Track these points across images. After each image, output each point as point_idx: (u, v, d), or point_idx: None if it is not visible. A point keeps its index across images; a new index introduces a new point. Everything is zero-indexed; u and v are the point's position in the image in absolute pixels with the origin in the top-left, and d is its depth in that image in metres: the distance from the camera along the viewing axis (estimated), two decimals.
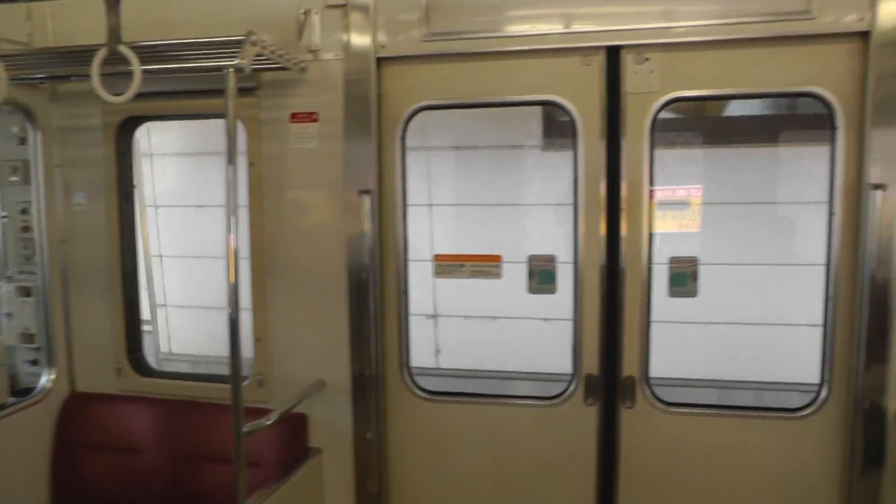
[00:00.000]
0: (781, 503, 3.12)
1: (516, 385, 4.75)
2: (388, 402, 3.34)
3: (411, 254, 3.32)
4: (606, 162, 3.07)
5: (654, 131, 3.03)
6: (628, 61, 3.01)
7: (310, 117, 3.20)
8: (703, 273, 3.07)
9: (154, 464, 3.44)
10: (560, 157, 3.05)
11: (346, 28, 3.13)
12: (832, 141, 2.92)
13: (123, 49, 2.72)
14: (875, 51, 2.77)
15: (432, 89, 3.16)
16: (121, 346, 3.60)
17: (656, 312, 3.12)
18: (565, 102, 3.07)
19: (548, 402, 3.23)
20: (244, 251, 3.23)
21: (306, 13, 3.15)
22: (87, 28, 2.87)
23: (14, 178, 3.62)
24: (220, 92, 2.59)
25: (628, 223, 3.06)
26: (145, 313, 4.02)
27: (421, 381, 3.33)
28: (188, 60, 2.91)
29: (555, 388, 3.18)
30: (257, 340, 3.36)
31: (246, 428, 2.68)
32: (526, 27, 3.03)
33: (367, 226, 3.11)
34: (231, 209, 2.55)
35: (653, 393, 3.14)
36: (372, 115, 3.13)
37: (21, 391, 3.56)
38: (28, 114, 3.45)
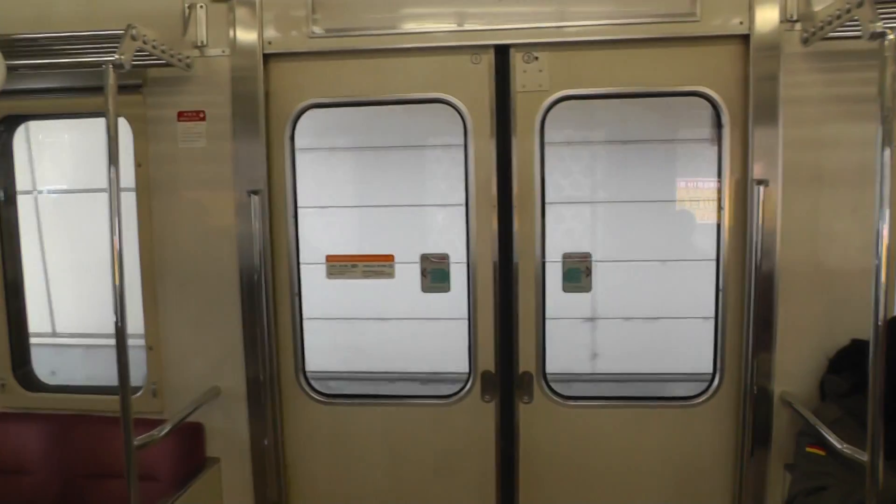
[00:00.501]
0: (678, 487, 3.19)
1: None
2: (285, 407, 3.28)
3: (309, 256, 3.27)
4: (497, 160, 3.07)
5: (544, 129, 3.05)
6: (517, 60, 3.03)
7: (197, 116, 3.10)
8: (599, 269, 3.12)
9: (42, 484, 3.27)
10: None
11: (232, 23, 3.05)
12: (719, 139, 3.02)
13: None
14: (754, 53, 2.87)
15: (321, 87, 3.11)
16: (4, 360, 3.43)
17: (554, 309, 3.15)
18: (455, 101, 3.07)
19: (445, 401, 3.23)
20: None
21: (191, 7, 3.05)
22: None
23: None
24: (102, 89, 2.47)
25: (520, 220, 3.08)
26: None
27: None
28: (66, 55, 2.80)
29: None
30: (149, 348, 3.24)
31: (137, 441, 2.57)
32: (415, 25, 3.01)
33: (257, 227, 3.04)
34: (114, 211, 2.44)
35: (550, 387, 3.17)
36: (260, 113, 3.06)
37: None
38: None
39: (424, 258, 3.20)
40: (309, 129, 3.18)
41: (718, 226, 3.05)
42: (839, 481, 2.53)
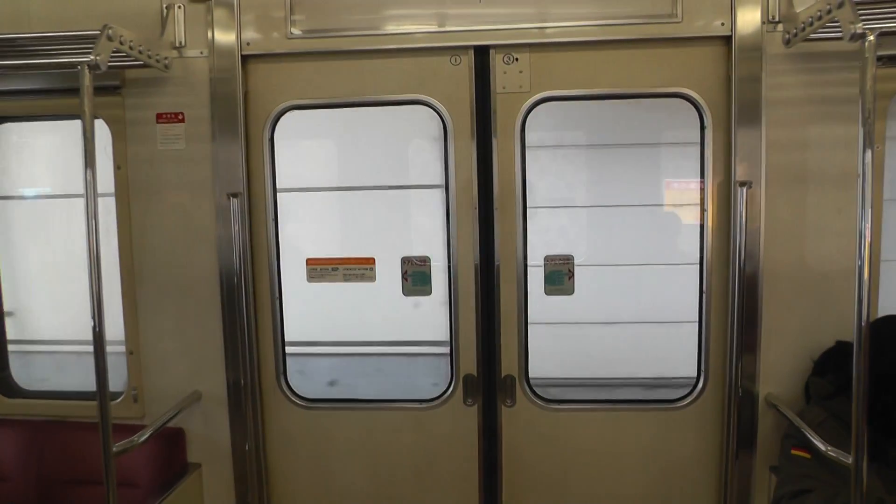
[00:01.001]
0: (662, 490, 3.18)
1: None
2: (266, 412, 3.25)
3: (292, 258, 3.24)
4: (478, 162, 3.05)
5: (525, 131, 3.03)
6: (497, 61, 3.01)
7: (176, 117, 3.07)
8: (583, 273, 3.10)
9: (20, 491, 3.23)
10: None
11: (211, 24, 3.02)
12: (702, 141, 3.00)
13: None
14: (736, 55, 2.86)
15: (300, 89, 3.08)
16: None
17: (538, 314, 3.13)
18: (435, 102, 3.05)
19: (427, 405, 3.20)
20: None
21: (169, 8, 3.02)
22: None
23: None
24: (78, 90, 2.43)
25: (501, 223, 3.06)
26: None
27: None
28: (42, 56, 2.76)
29: None
30: (129, 353, 3.20)
31: (116, 447, 2.54)
32: (394, 26, 2.99)
33: (237, 230, 3.01)
34: (91, 214, 2.40)
35: (532, 391, 3.15)
36: (239, 115, 3.03)
37: None
38: None
39: (406, 260, 3.18)
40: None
41: (702, 228, 3.03)
42: (824, 484, 2.52)
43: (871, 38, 2.10)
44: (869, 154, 2.12)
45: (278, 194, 3.19)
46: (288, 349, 3.28)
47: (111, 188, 3.12)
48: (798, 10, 2.74)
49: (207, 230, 3.09)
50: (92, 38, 2.53)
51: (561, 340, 3.58)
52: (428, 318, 3.30)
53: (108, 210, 3.08)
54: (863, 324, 2.15)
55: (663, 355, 3.62)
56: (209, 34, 3.02)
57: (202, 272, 3.12)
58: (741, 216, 2.83)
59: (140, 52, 2.79)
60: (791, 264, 2.92)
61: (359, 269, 3.19)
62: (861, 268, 2.14)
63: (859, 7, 2.26)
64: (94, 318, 2.43)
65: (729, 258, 2.94)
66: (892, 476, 2.50)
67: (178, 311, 3.16)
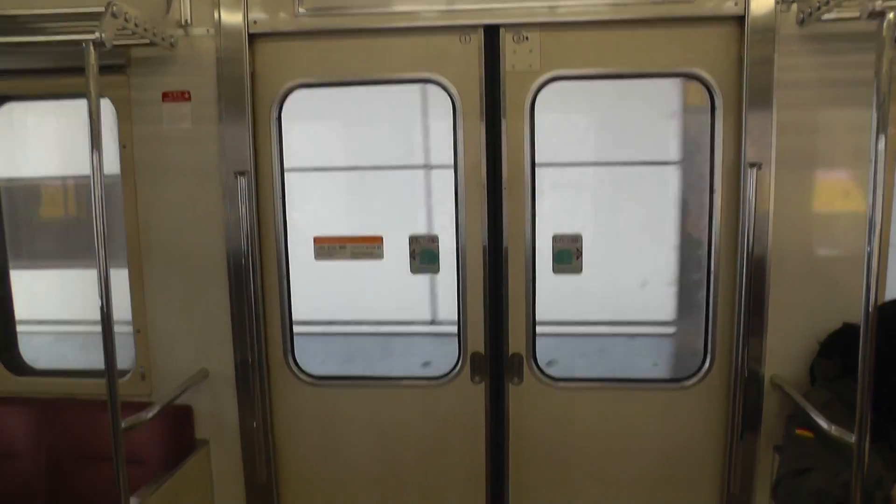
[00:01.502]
0: (667, 469, 3.21)
1: None
2: (274, 389, 3.27)
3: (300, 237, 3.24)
4: (487, 142, 3.04)
5: (535, 110, 3.01)
6: (507, 40, 2.98)
7: (182, 97, 3.05)
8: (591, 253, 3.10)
9: (31, 468, 3.26)
10: None
11: (217, 2, 2.98)
12: (712, 121, 2.98)
13: None
14: (749, 35, 2.83)
15: (308, 67, 3.06)
16: None
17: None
18: (444, 81, 3.02)
19: (435, 382, 3.22)
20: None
21: None
22: None
23: None
24: (84, 69, 2.40)
25: (510, 203, 3.06)
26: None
27: None
28: (46, 33, 2.74)
29: None
30: (137, 331, 3.22)
31: (124, 424, 2.56)
32: (403, 4, 2.95)
33: (244, 209, 3.00)
34: (97, 194, 2.40)
35: (540, 369, 3.17)
36: (246, 94, 3.01)
37: None
38: None
39: (414, 239, 3.18)
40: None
41: (710, 209, 3.03)
42: (826, 463, 2.55)
43: (891, 16, 2.07)
44: (882, 139, 2.10)
45: (286, 174, 3.17)
46: (304, 328, 3.29)
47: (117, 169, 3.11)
48: None
49: (214, 209, 3.09)
50: (96, 16, 2.50)
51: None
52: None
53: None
54: (870, 309, 2.16)
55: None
56: (215, 13, 2.99)
57: (209, 251, 3.12)
58: (750, 198, 2.83)
59: (145, 31, 2.77)
60: (799, 247, 2.92)
61: (366, 247, 3.19)
62: (870, 253, 2.14)
63: None
64: (101, 297, 2.43)
65: (737, 239, 2.94)
66: (893, 458, 2.53)
67: (186, 289, 3.17)
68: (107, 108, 3.02)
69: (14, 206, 3.61)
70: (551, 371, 3.19)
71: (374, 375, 3.33)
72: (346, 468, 3.33)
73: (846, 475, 2.37)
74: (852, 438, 2.29)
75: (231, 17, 2.99)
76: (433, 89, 3.06)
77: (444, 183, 3.14)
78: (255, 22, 2.99)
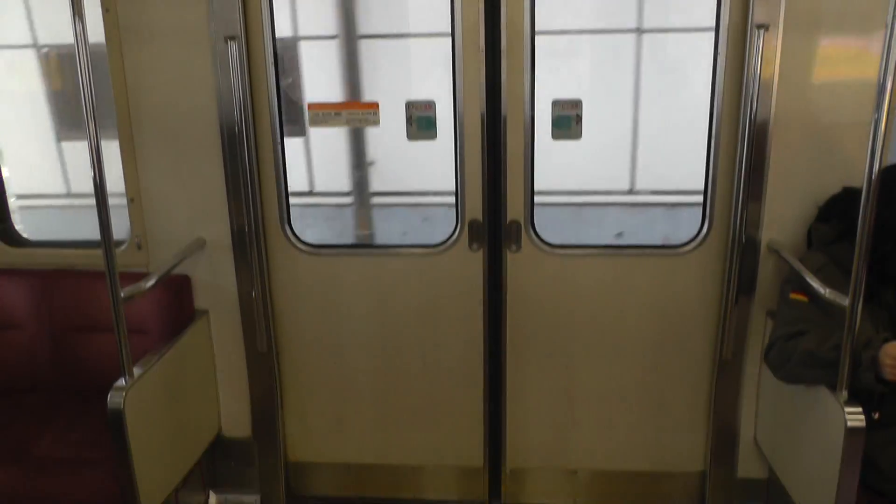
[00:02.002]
0: (662, 333, 3.26)
1: None
2: (271, 258, 3.26)
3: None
4: (485, 4, 2.90)
5: None
6: None
7: None
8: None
9: (34, 338, 3.30)
10: None
11: None
12: None
13: None
14: None
15: None
16: None
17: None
18: None
19: (433, 250, 3.22)
20: None
21: None
22: None
23: None
24: None
25: (509, 69, 2.96)
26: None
27: None
28: None
29: None
30: (130, 200, 3.17)
31: (124, 293, 2.57)
32: None
33: (236, 74, 2.90)
34: (83, 62, 2.30)
35: (538, 236, 3.16)
36: None
37: None
38: None
39: (410, 105, 3.09)
40: None
41: (714, 72, 2.94)
42: (819, 327, 2.59)
43: None
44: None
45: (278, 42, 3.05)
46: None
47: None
48: None
49: (204, 74, 2.98)
50: None
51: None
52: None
53: None
54: (873, 176, 2.13)
55: None
56: None
57: (201, 119, 3.03)
58: (756, 61, 2.74)
59: None
60: (803, 111, 2.85)
61: (362, 113, 3.11)
62: (878, 120, 2.09)
63: None
64: (93, 167, 2.39)
65: (740, 103, 2.86)
66: (882, 316, 2.57)
67: (179, 158, 3.11)
68: None
69: None
70: (549, 237, 3.19)
71: (371, 243, 3.32)
72: (346, 335, 3.37)
73: (837, 338, 2.41)
74: (846, 302, 2.32)
75: None
76: None
77: (441, 51, 3.02)
78: None
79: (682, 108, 3.39)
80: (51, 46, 3.96)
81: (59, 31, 3.37)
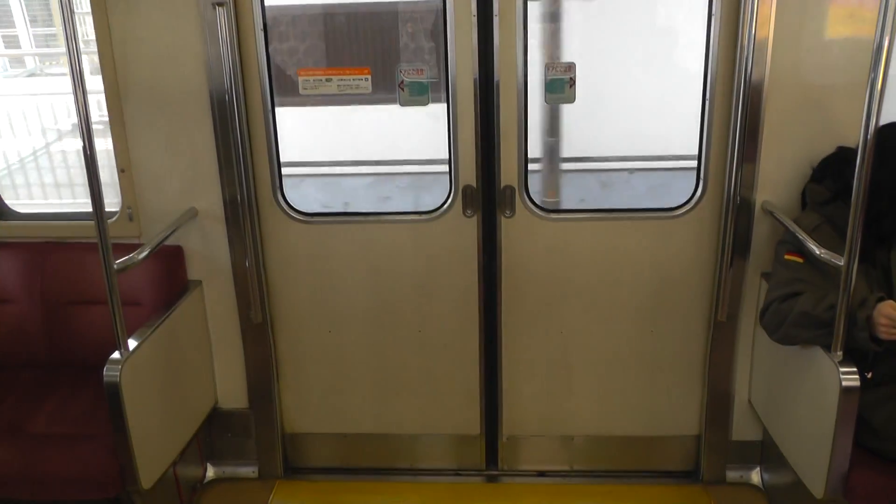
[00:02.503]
0: (657, 296, 3.27)
1: None
2: (264, 227, 3.23)
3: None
4: None
5: None
6: None
7: None
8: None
9: (26, 313, 3.27)
10: None
11: None
12: None
13: None
14: None
15: None
16: None
17: None
18: None
19: (426, 216, 3.20)
20: None
21: None
22: None
23: None
24: None
25: (502, 33, 2.92)
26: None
27: None
28: None
29: None
30: (121, 171, 3.13)
31: (117, 265, 2.54)
32: None
33: (224, 42, 2.85)
34: (70, 30, 2.25)
35: (532, 201, 3.14)
36: None
37: None
38: None
39: (402, 70, 3.05)
40: None
41: (708, 33, 2.90)
42: (814, 287, 2.59)
43: None
44: None
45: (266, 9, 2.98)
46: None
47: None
48: None
49: (193, 42, 2.92)
50: None
51: None
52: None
53: None
54: (869, 136, 2.13)
55: None
56: None
57: (191, 87, 2.99)
58: (751, 22, 2.71)
59: None
60: (797, 73, 2.84)
61: (353, 79, 3.07)
62: (874, 80, 2.08)
63: None
64: (83, 137, 2.36)
65: (735, 64, 2.84)
66: (876, 276, 2.58)
67: (168, 127, 3.07)
68: None
69: None
70: (544, 202, 3.17)
71: (365, 211, 3.29)
72: (340, 305, 3.36)
73: (832, 298, 2.42)
74: (841, 262, 2.33)
75: None
76: None
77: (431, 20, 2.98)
78: None
79: (677, 71, 3.36)
80: None
81: None
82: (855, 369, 2.41)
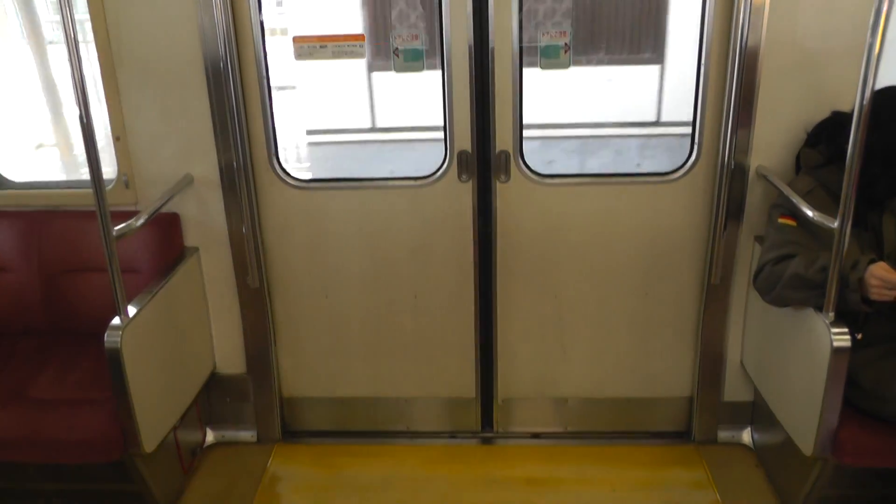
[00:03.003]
0: (651, 260, 3.29)
1: None
2: (260, 193, 3.24)
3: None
4: None
5: None
6: None
7: None
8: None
9: (25, 281, 3.28)
10: None
11: None
12: None
13: None
14: None
15: None
16: None
17: None
18: None
19: (422, 181, 3.20)
20: None
21: None
22: None
23: None
24: None
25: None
26: None
27: None
28: None
29: None
30: (116, 139, 3.12)
31: (115, 231, 2.55)
32: None
33: (218, 7, 2.83)
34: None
35: (527, 166, 3.15)
36: None
37: None
38: None
39: (396, 36, 3.03)
40: None
41: None
42: (807, 249, 2.62)
43: None
44: None
45: None
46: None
47: None
48: None
49: (187, 9, 2.90)
50: None
51: None
52: None
53: None
54: (865, 100, 2.14)
55: None
56: None
57: (185, 54, 2.96)
58: None
59: None
60: (793, 37, 2.83)
61: (348, 45, 3.06)
62: (871, 44, 2.08)
63: None
64: (79, 105, 2.35)
65: (730, 30, 2.84)
66: (868, 238, 2.61)
67: (163, 95, 3.05)
68: None
69: None
70: (540, 168, 3.18)
71: (360, 177, 3.29)
72: (337, 270, 3.38)
73: (825, 260, 2.45)
74: (834, 224, 2.35)
75: None
76: None
77: None
78: None
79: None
80: None
81: None
82: (846, 330, 2.44)
